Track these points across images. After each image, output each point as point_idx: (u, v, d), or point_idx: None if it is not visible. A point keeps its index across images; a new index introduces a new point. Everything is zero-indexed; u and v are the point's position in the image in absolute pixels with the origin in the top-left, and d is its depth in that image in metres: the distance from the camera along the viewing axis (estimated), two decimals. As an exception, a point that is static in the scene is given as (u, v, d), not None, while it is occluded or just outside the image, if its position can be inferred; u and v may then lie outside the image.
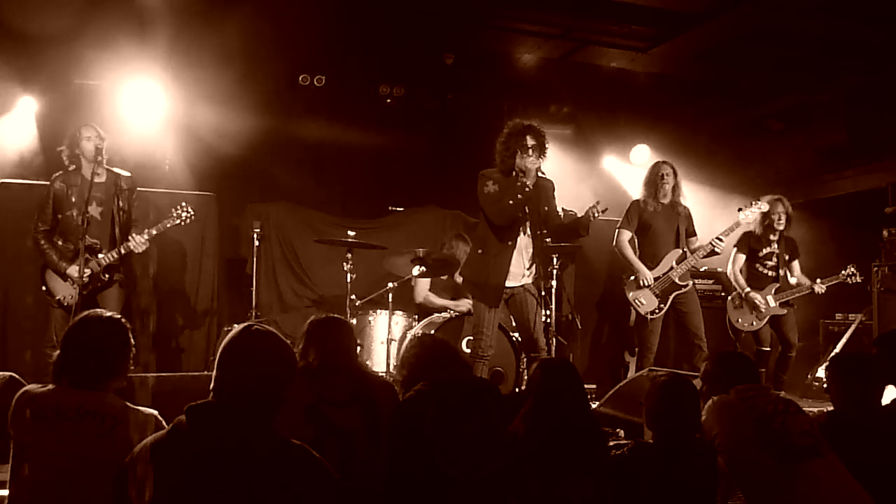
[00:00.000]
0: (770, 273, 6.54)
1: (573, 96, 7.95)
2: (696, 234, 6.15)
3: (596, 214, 4.70)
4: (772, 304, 6.45)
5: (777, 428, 2.99)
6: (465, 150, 7.65)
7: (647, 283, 5.93)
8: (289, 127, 7.43)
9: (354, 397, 2.94)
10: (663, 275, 5.96)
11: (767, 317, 6.45)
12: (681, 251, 6.01)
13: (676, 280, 5.94)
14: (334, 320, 3.20)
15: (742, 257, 6.57)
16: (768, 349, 6.51)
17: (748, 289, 6.50)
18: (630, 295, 6.04)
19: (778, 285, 6.51)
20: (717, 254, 5.92)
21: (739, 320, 6.54)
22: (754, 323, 6.49)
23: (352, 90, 7.45)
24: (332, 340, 3.10)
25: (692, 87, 7.96)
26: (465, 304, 6.38)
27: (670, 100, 8.07)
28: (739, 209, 6.00)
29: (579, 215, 4.89)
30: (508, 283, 4.93)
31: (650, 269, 5.98)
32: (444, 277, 6.63)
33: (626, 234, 6.04)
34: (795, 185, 7.78)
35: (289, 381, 2.30)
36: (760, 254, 6.54)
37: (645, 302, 5.97)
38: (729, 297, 6.68)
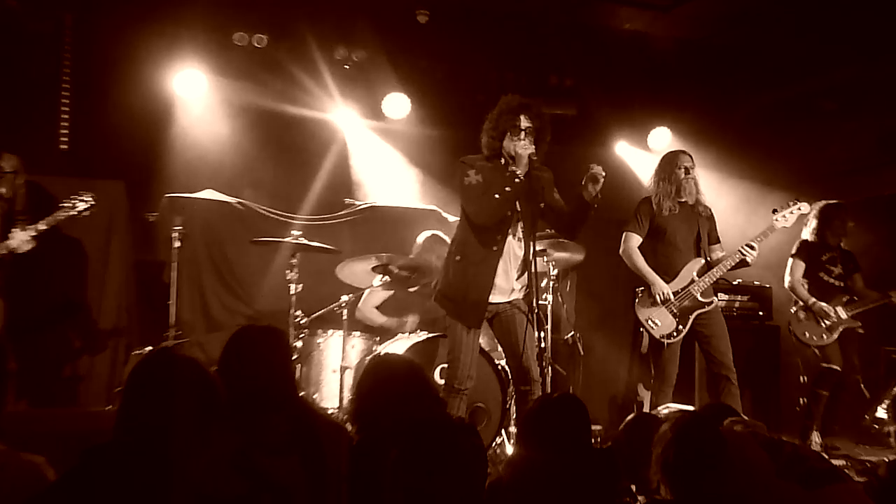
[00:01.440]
0: (836, 283, 6.80)
1: (577, 66, 8.00)
2: (719, 241, 6.20)
3: (596, 180, 4.69)
4: (843, 315, 6.70)
5: (790, 451, 3.13)
6: (443, 132, 7.80)
7: (663, 300, 5.96)
8: (219, 95, 7.47)
9: (294, 442, 2.94)
10: (682, 289, 6.01)
11: (839, 329, 6.67)
12: (702, 261, 6.06)
13: (698, 296, 5.98)
14: (266, 333, 3.21)
15: (801, 265, 6.81)
16: (838, 368, 6.67)
17: (813, 299, 6.73)
18: (642, 314, 6.08)
19: (847, 297, 6.77)
20: (748, 264, 5.96)
21: (807, 334, 6.74)
22: (824, 336, 6.68)
23: (301, 53, 7.47)
24: (265, 363, 3.10)
25: (724, 57, 7.95)
26: (411, 320, 6.37)
27: (697, 73, 8.10)
28: (774, 210, 6.08)
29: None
30: (493, 299, 4.95)
31: (666, 282, 6.02)
32: (414, 289, 6.67)
33: (635, 239, 6.08)
34: (851, 179, 7.93)
35: (211, 420, 2.32)
36: (823, 258, 6.79)
37: (660, 323, 6.01)
38: (792, 311, 6.89)
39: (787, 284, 6.87)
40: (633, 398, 7.50)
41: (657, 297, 5.97)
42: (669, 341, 6.00)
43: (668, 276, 6.03)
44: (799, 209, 6.08)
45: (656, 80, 8.07)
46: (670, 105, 8.26)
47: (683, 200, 6.06)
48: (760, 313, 7.39)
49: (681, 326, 5.97)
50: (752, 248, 5.90)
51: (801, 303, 6.80)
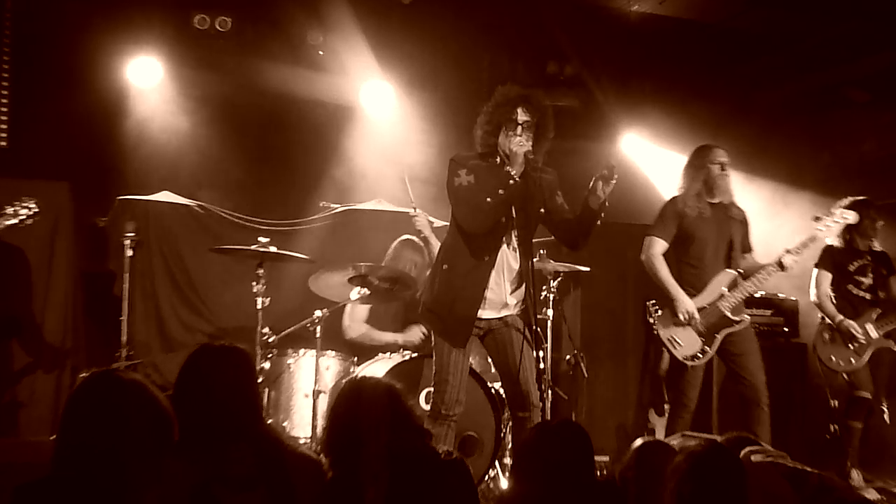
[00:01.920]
0: (866, 295, 6.74)
1: (580, 51, 7.98)
2: (752, 248, 6.20)
3: (607, 181, 4.62)
4: (873, 334, 6.62)
5: (815, 482, 3.12)
6: (430, 126, 7.81)
7: (687, 318, 5.93)
8: (178, 85, 7.44)
9: (260, 475, 2.91)
10: (710, 305, 5.97)
11: (869, 351, 6.62)
12: (734, 273, 6.03)
13: (728, 313, 5.95)
14: (228, 353, 3.21)
15: (827, 276, 6.74)
16: (868, 395, 6.66)
17: (840, 316, 6.67)
18: (663, 333, 6.04)
19: (879, 311, 6.70)
20: (783, 269, 5.93)
21: (833, 358, 6.70)
22: (853, 360, 6.64)
23: (269, 38, 7.48)
24: (226, 386, 3.09)
25: (743, 43, 7.95)
26: (417, 333, 6.38)
27: (713, 60, 8.09)
28: (817, 218, 6.05)
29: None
30: (484, 314, 4.95)
31: (692, 296, 5.97)
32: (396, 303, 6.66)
33: (660, 245, 6.03)
34: (885, 177, 7.84)
35: (163, 451, 2.32)
36: (851, 267, 6.72)
37: (683, 343, 5.98)
38: (817, 331, 6.85)
39: (812, 298, 6.82)
40: (644, 426, 7.48)
41: (681, 315, 5.94)
42: (693, 363, 5.98)
43: (695, 290, 6.01)
44: (845, 217, 6.07)
45: (668, 67, 8.08)
46: (684, 95, 8.24)
47: (716, 202, 6.04)
48: (785, 329, 7.39)
49: (707, 347, 5.95)
50: (792, 255, 5.88)
51: (827, 320, 6.75)
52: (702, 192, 6.00)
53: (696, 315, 5.91)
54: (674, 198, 6.10)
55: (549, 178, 5.01)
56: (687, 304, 5.92)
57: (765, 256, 6.07)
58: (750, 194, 7.62)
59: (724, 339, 5.94)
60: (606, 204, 4.70)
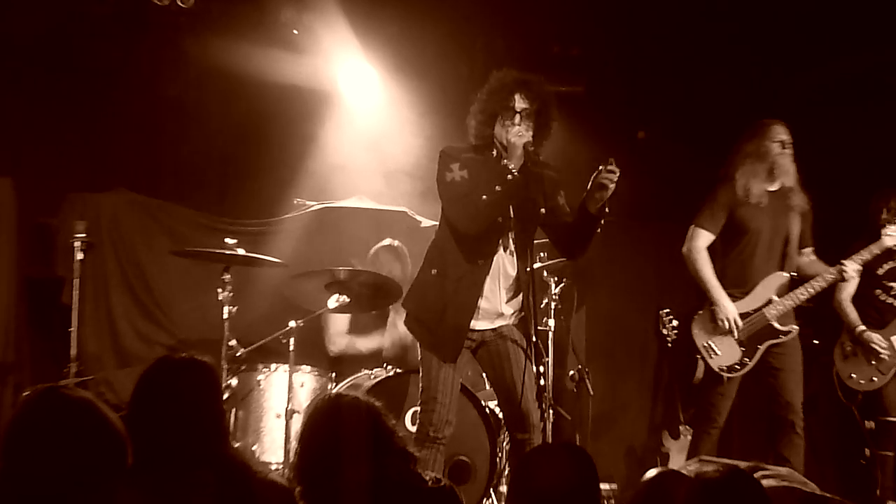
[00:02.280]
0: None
1: (586, 31, 7.96)
2: (811, 243, 6.18)
3: (606, 183, 4.58)
4: None
5: None
6: (418, 115, 7.77)
7: (728, 325, 5.92)
8: (133, 70, 7.47)
9: (224, 504, 2.92)
10: (755, 311, 5.98)
11: (894, 368, 6.58)
12: (786, 276, 6.03)
13: (775, 322, 5.96)
14: (189, 367, 3.22)
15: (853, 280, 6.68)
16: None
17: (861, 326, 6.64)
18: (699, 339, 6.04)
19: None
20: (843, 280, 5.97)
21: (853, 376, 6.68)
22: (875, 378, 6.61)
23: (238, 16, 7.46)
24: (187, 405, 3.09)
25: (771, 22, 7.63)
26: (401, 328, 6.34)
27: (737, 41, 7.85)
28: (882, 224, 6.07)
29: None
30: (477, 325, 4.96)
31: (736, 299, 5.97)
32: (382, 311, 6.71)
33: (705, 238, 6.02)
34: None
35: (116, 478, 2.31)
36: (880, 270, 6.68)
37: (721, 352, 5.99)
38: (837, 343, 6.81)
39: (835, 303, 6.78)
40: (657, 450, 7.44)
41: (721, 322, 5.93)
42: (730, 375, 5.96)
43: (740, 290, 6.00)
44: None
45: (685, 49, 8.01)
46: (703, 80, 8.15)
47: (774, 188, 6.00)
48: (815, 342, 7.27)
49: (747, 359, 5.95)
50: (855, 265, 5.92)
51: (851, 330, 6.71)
52: (760, 176, 5.97)
53: (739, 322, 5.90)
54: (727, 182, 6.04)
55: (550, 174, 5.02)
56: (729, 310, 5.90)
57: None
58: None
59: (766, 351, 5.95)
60: (607, 209, 4.69)
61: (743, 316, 5.91)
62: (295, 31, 7.57)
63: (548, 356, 6.59)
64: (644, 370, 7.92)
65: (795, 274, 6.03)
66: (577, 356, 7.30)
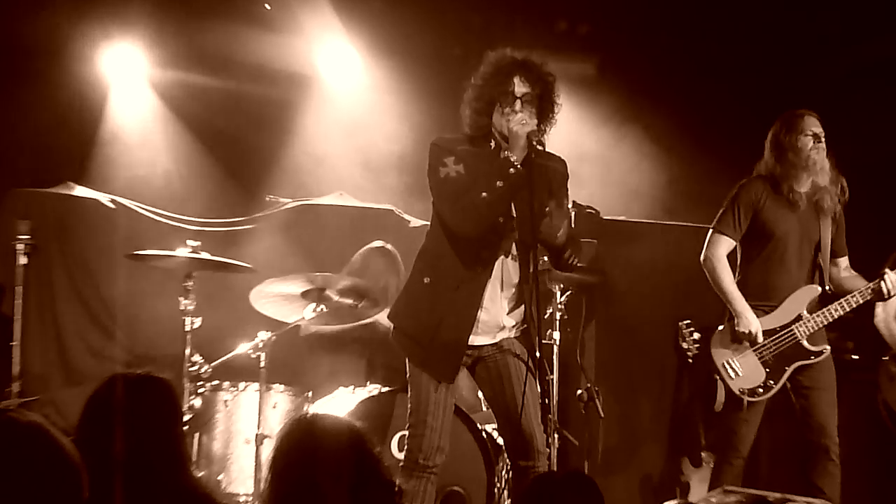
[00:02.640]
0: None
1: (597, 5, 8.01)
2: (846, 252, 6.19)
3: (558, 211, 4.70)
4: None
5: None
6: (406, 101, 7.84)
7: (750, 340, 5.92)
8: (79, 51, 7.48)
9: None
10: (783, 329, 5.96)
11: None
12: (818, 290, 6.01)
13: (804, 342, 5.95)
14: (145, 385, 3.22)
15: None
16: None
17: None
18: (718, 357, 6.02)
19: None
20: (885, 297, 5.92)
21: None
22: None
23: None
24: (143, 429, 3.09)
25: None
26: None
27: (771, 16, 7.95)
28: None
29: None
30: (476, 340, 4.95)
31: (761, 315, 5.95)
32: (365, 321, 6.65)
33: (726, 244, 6.03)
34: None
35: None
36: None
37: (742, 372, 5.97)
38: (882, 363, 6.82)
39: (877, 320, 6.75)
40: (676, 478, 7.47)
41: (742, 336, 5.92)
42: (752, 399, 5.95)
43: (767, 304, 5.98)
44: None
45: (711, 25, 8.02)
46: (733, 61, 8.19)
47: (804, 189, 5.98)
48: (855, 357, 7.36)
49: (771, 381, 5.93)
50: (893, 280, 5.86)
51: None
52: (790, 174, 5.97)
53: (761, 337, 5.88)
54: (750, 181, 6.07)
55: (556, 167, 5.02)
56: (752, 323, 5.88)
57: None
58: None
59: (794, 373, 5.94)
60: (573, 259, 4.77)
61: (769, 333, 5.91)
62: (267, 6, 7.64)
63: (553, 373, 6.57)
64: (662, 389, 7.91)
65: (830, 288, 6.03)
66: (585, 374, 7.27)
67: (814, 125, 5.95)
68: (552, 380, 6.55)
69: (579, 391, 7.16)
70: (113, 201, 7.53)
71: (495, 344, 4.98)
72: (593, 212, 6.99)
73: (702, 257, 6.03)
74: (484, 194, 4.71)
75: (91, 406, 3.16)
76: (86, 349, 7.47)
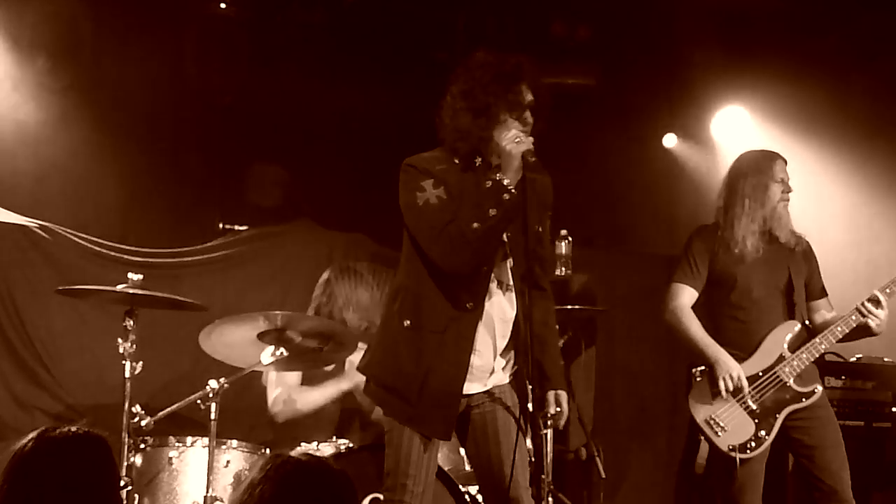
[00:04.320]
0: None
1: (597, 8, 8.04)
2: (825, 294, 6.20)
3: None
4: None
5: None
6: (378, 112, 7.87)
7: (733, 387, 5.89)
8: (21, 69, 7.42)
9: None
10: (766, 372, 5.96)
11: None
12: (796, 325, 6.03)
13: (790, 382, 5.92)
14: (77, 443, 3.16)
15: None
16: None
17: None
18: (699, 413, 6.02)
19: None
20: (874, 333, 5.92)
21: None
22: None
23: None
24: (74, 491, 3.08)
25: None
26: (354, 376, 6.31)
27: (788, 19, 8.06)
28: None
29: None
30: (467, 388, 4.81)
31: (740, 360, 5.94)
32: (330, 367, 6.67)
33: (688, 294, 6.09)
34: None
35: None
36: None
37: (728, 427, 5.95)
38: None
39: None
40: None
41: (722, 383, 5.90)
42: (744, 456, 5.89)
43: (743, 352, 5.99)
44: None
45: (723, 30, 8.12)
46: (747, 70, 8.23)
47: (777, 231, 6.05)
48: (893, 410, 7.19)
49: (762, 432, 5.92)
50: (876, 303, 5.84)
51: None
52: (757, 221, 6.03)
53: (745, 383, 5.89)
54: (706, 226, 6.22)
55: (545, 181, 4.96)
56: (731, 368, 5.91)
57: (846, 302, 6.06)
58: (836, 209, 7.85)
59: (786, 420, 5.94)
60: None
61: (751, 380, 5.94)
62: (223, 5, 7.77)
63: (546, 426, 6.30)
64: (670, 444, 7.86)
65: (809, 323, 6.13)
66: (583, 426, 7.28)
67: (782, 171, 6.11)
68: (546, 435, 6.53)
69: (577, 447, 7.24)
70: (43, 227, 7.36)
71: (487, 392, 4.89)
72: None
73: (664, 312, 6.15)
74: (476, 225, 4.57)
75: (13, 466, 3.09)
76: (10, 398, 7.39)
